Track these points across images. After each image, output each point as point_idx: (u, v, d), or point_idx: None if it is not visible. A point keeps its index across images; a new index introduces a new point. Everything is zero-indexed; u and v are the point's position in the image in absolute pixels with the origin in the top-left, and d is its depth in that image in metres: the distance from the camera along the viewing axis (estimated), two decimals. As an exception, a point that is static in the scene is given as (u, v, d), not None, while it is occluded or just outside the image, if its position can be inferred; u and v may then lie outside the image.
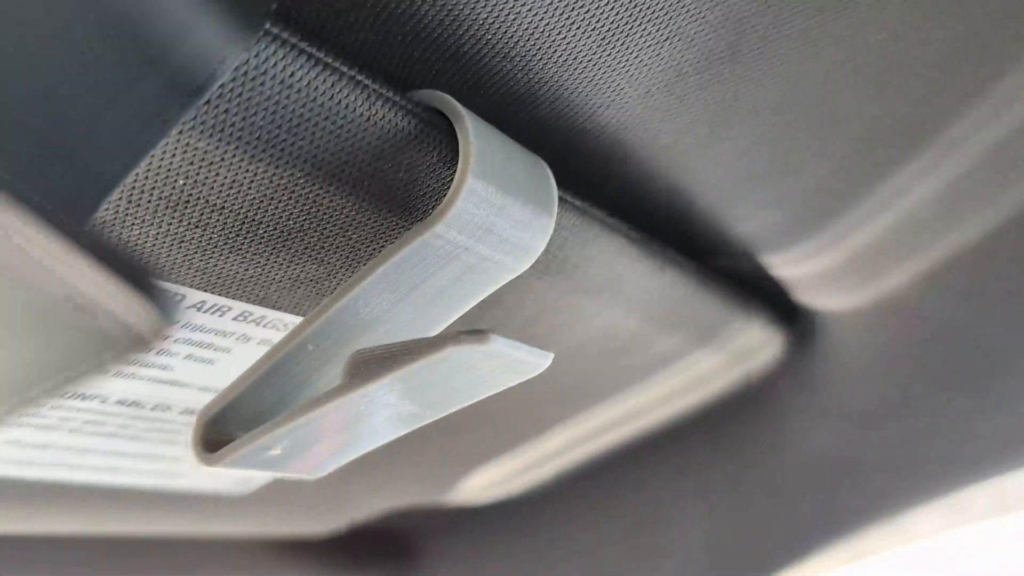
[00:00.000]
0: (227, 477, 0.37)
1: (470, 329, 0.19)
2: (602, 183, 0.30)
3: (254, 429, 0.22)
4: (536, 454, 0.46)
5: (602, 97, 0.25)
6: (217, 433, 0.23)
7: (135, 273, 0.12)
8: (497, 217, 0.21)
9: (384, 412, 0.22)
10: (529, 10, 0.21)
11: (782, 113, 0.30)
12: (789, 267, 0.39)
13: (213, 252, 0.21)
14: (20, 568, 0.40)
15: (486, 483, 0.48)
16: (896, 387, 0.46)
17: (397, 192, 0.21)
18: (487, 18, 0.21)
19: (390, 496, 0.48)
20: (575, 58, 0.23)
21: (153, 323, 0.13)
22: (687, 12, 0.23)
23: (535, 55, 0.23)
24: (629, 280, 0.31)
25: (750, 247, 0.37)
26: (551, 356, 0.21)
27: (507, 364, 0.21)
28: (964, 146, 0.36)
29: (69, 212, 0.15)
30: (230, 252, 0.21)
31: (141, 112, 0.15)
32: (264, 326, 0.25)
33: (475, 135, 0.20)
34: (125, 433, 0.30)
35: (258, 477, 0.37)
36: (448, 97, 0.21)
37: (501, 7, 0.21)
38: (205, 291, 0.23)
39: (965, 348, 0.44)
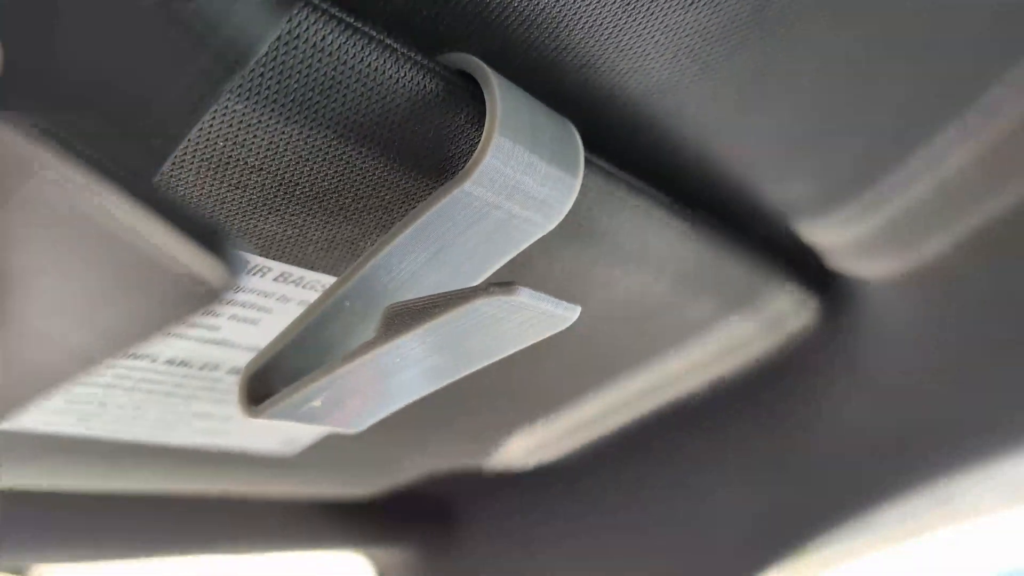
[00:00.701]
0: (274, 437, 0.38)
1: (499, 282, 0.20)
2: (631, 150, 0.30)
3: (295, 383, 0.23)
4: (573, 420, 0.47)
5: (628, 63, 0.26)
6: (261, 387, 0.25)
7: (203, 230, 0.13)
8: (524, 174, 0.22)
9: (418, 365, 0.23)
10: None
11: (818, 80, 0.30)
12: (824, 234, 0.39)
13: (253, 213, 0.22)
14: (75, 525, 0.43)
15: (525, 449, 0.49)
16: (936, 358, 0.46)
17: (427, 153, 0.22)
18: None
19: (431, 459, 0.49)
20: (601, 24, 0.24)
21: (223, 277, 0.14)
22: None
23: (561, 21, 0.23)
24: (657, 244, 0.31)
25: (784, 214, 0.37)
26: (578, 309, 0.22)
27: (535, 317, 0.22)
28: (1006, 109, 0.35)
29: (139, 173, 0.16)
30: (269, 213, 0.22)
31: (194, 83, 0.17)
32: (303, 287, 0.27)
33: (501, 94, 0.21)
34: (180, 392, 0.31)
35: (304, 438, 0.39)
36: (475, 59, 0.22)
37: None
38: (246, 252, 0.24)
39: (1007, 318, 0.44)
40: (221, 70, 0.17)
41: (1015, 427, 0.46)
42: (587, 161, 0.27)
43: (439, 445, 0.47)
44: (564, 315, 0.22)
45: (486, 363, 0.24)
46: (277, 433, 0.38)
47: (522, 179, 0.22)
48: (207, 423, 0.35)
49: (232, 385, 0.32)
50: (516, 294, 0.20)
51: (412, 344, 0.22)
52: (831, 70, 0.29)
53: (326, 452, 0.43)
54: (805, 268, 0.42)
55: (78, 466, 0.37)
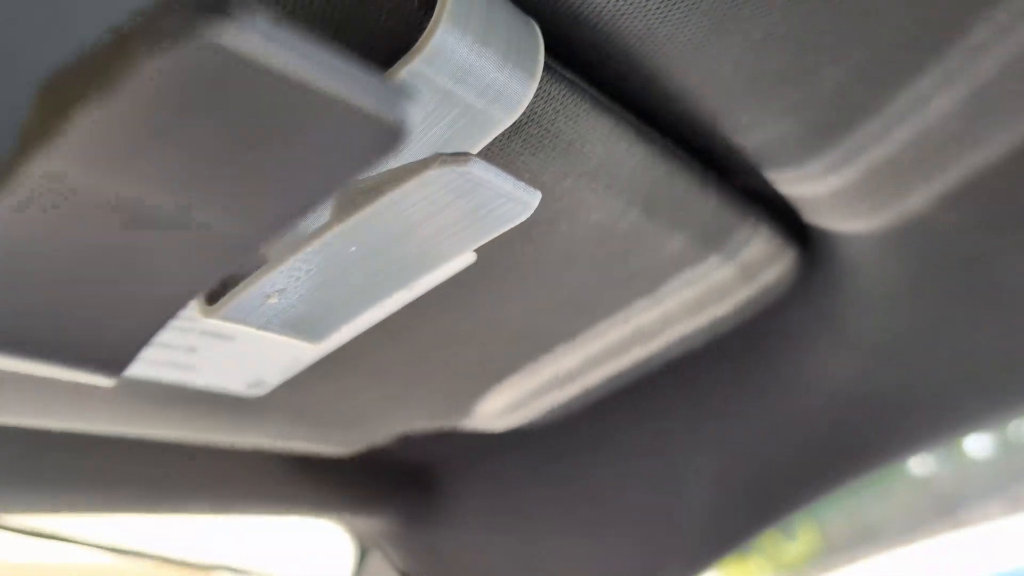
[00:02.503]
0: (240, 377, 0.38)
1: (454, 152, 0.20)
2: (601, 72, 0.30)
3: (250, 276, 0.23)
4: (549, 376, 0.47)
5: None
6: (218, 287, 0.24)
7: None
8: (477, 59, 0.21)
9: (375, 259, 0.23)
10: None
11: (793, 6, 0.30)
12: (801, 185, 0.38)
13: None
14: (34, 467, 0.42)
15: (501, 407, 0.49)
16: (914, 315, 0.45)
17: (382, 40, 0.22)
18: None
19: (406, 418, 0.49)
20: None
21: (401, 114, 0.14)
22: None
23: None
24: (626, 165, 0.31)
25: (759, 160, 0.36)
26: (539, 194, 0.22)
27: (492, 198, 0.21)
28: (988, 52, 0.35)
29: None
30: None
31: None
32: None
33: None
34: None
35: (271, 378, 0.38)
36: None
37: None
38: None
39: (988, 274, 0.43)
40: None
41: (996, 389, 0.45)
42: (552, 69, 0.27)
43: (413, 401, 0.46)
44: (523, 198, 0.22)
45: (446, 262, 0.24)
46: (243, 371, 0.37)
47: (475, 63, 0.21)
48: (169, 354, 0.34)
49: (195, 312, 0.32)
50: (469, 164, 0.19)
51: (366, 227, 0.21)
52: (803, 6, 0.29)
53: (296, 402, 0.43)
54: (781, 217, 0.41)
55: (23, 399, 0.36)
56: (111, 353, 0.18)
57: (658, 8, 0.27)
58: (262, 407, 0.41)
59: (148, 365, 0.34)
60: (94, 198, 0.14)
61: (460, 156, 0.20)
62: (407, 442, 0.53)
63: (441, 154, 0.20)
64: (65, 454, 0.42)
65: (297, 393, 0.41)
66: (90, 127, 0.12)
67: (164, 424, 0.42)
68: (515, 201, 0.22)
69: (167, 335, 0.33)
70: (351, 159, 0.14)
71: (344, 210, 0.21)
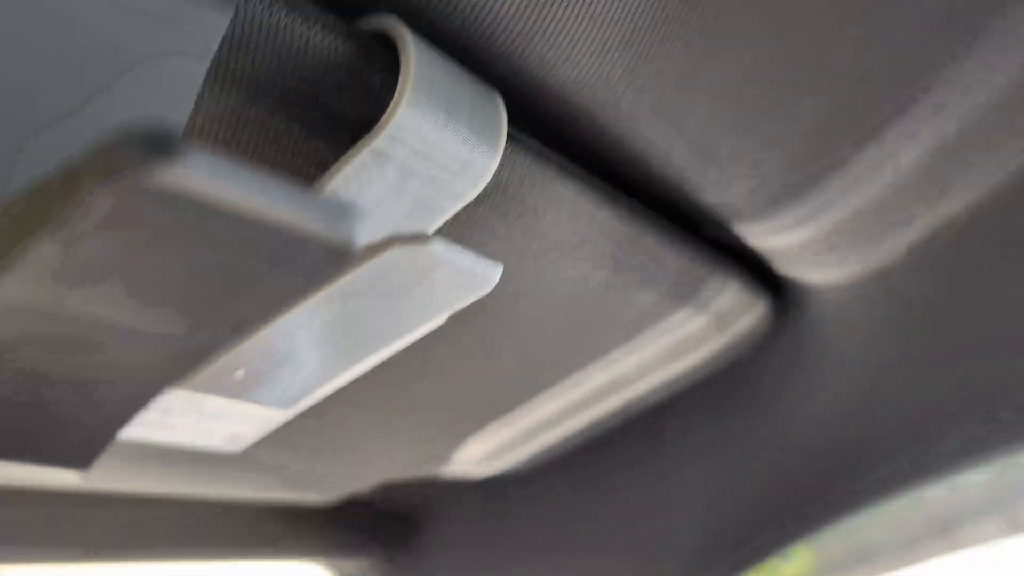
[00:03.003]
0: (217, 434, 0.38)
1: (414, 233, 0.20)
2: (565, 138, 0.30)
3: None
4: (528, 424, 0.47)
5: (557, 52, 0.26)
6: None
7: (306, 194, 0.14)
8: (439, 137, 0.22)
9: (343, 332, 0.23)
10: None
11: (755, 71, 0.30)
12: (770, 238, 0.39)
13: None
14: (14, 525, 0.42)
15: (481, 455, 0.49)
16: (888, 363, 0.46)
17: (344, 118, 0.22)
18: None
19: (386, 467, 0.49)
20: (525, 13, 0.24)
21: (346, 234, 0.14)
22: None
23: (485, 8, 0.24)
24: (593, 227, 0.31)
25: (727, 216, 0.37)
26: (500, 267, 0.22)
27: (454, 274, 0.21)
28: (951, 109, 0.36)
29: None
30: None
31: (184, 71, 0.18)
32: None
33: (417, 53, 0.21)
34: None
35: (248, 434, 0.39)
36: (393, 19, 0.22)
37: None
38: None
39: (958, 323, 0.44)
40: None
41: (968, 432, 0.46)
42: (516, 139, 0.27)
43: (392, 453, 0.47)
44: (484, 273, 0.22)
45: (412, 332, 0.24)
46: (220, 429, 0.37)
47: (437, 141, 0.22)
48: (144, 414, 0.34)
49: None
50: (429, 244, 0.20)
51: (330, 303, 0.21)
52: (766, 64, 0.30)
53: (278, 456, 0.43)
54: (752, 269, 0.42)
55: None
56: (78, 450, 0.19)
57: (621, 77, 0.28)
58: (241, 462, 0.42)
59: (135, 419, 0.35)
60: (54, 316, 0.14)
61: (419, 236, 0.21)
62: (389, 489, 0.53)
63: (400, 235, 0.21)
64: (45, 509, 0.43)
65: (275, 448, 0.41)
66: (44, 256, 0.13)
67: (142, 479, 0.42)
68: (477, 276, 0.23)
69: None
70: (301, 278, 0.15)
71: None
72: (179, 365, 0.17)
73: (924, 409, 0.47)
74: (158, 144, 0.12)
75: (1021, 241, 0.42)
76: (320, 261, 0.14)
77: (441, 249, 0.21)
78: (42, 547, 0.44)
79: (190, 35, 0.18)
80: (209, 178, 0.12)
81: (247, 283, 0.14)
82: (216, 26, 0.18)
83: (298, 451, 0.42)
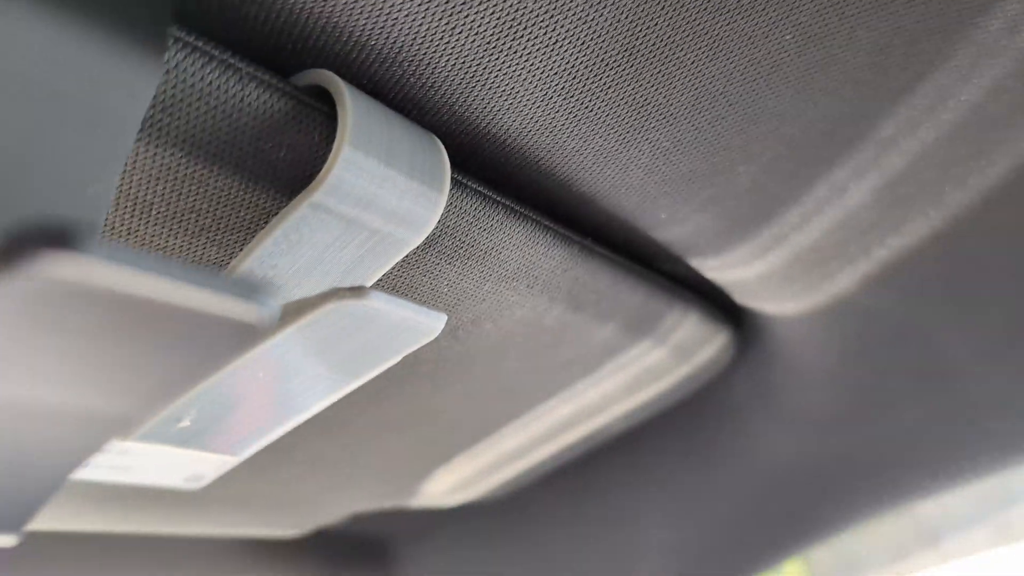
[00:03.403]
0: (177, 473, 0.38)
1: (352, 286, 0.20)
2: (512, 181, 0.31)
3: None
4: (496, 455, 0.47)
5: (499, 101, 0.26)
6: None
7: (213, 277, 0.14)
8: (378, 187, 0.22)
9: (288, 381, 0.23)
10: (407, 16, 0.22)
11: (698, 113, 0.31)
12: (727, 271, 0.39)
13: (109, 236, 0.23)
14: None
15: (448, 486, 0.49)
16: (850, 391, 0.46)
17: (282, 172, 0.23)
18: (366, 25, 0.22)
19: (353, 499, 0.49)
20: (463, 62, 0.24)
21: (253, 311, 0.14)
22: (574, 16, 0.24)
23: (423, 60, 0.24)
24: (545, 267, 0.32)
25: (682, 251, 0.38)
26: (444, 317, 0.22)
27: (397, 324, 0.22)
28: (899, 145, 0.36)
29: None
30: (127, 235, 0.23)
31: (101, 159, 0.18)
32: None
33: (353, 105, 0.22)
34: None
35: (207, 473, 0.39)
36: (327, 72, 0.22)
37: (379, 14, 0.22)
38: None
39: (915, 351, 0.45)
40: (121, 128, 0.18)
41: (927, 461, 0.46)
42: (461, 184, 0.28)
43: (360, 484, 0.47)
44: (428, 323, 0.22)
45: (359, 380, 0.24)
46: (178, 468, 0.37)
47: (377, 191, 0.22)
48: (103, 456, 0.34)
49: None
50: (367, 298, 0.20)
51: (270, 356, 0.22)
52: (707, 103, 0.30)
53: (241, 491, 0.43)
54: (710, 300, 0.42)
55: None
56: (8, 518, 0.19)
57: (564, 124, 0.28)
58: (204, 498, 0.42)
59: (82, 468, 0.35)
60: None
61: (358, 290, 0.21)
62: (358, 519, 0.53)
63: (339, 289, 0.21)
64: (7, 551, 0.42)
65: (238, 483, 0.41)
66: None
67: (103, 519, 0.42)
68: (420, 324, 0.23)
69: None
70: (214, 353, 0.15)
71: None
72: (105, 434, 0.17)
73: (884, 434, 0.47)
74: (55, 237, 0.12)
75: (972, 269, 0.42)
76: (232, 337, 0.14)
77: (381, 302, 0.21)
78: None
79: (117, 100, 0.18)
80: (107, 269, 0.12)
81: (159, 361, 0.15)
82: (145, 90, 0.18)
83: (263, 483, 0.42)
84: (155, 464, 0.37)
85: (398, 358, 0.24)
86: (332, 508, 0.49)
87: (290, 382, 0.24)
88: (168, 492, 0.40)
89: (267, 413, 0.26)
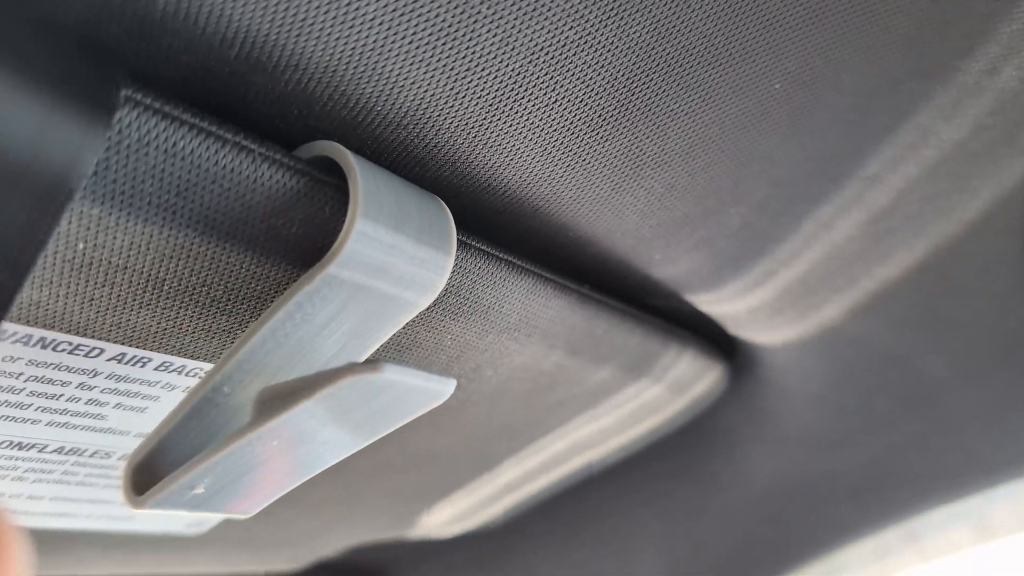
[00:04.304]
0: (180, 520, 0.38)
1: (367, 360, 0.21)
2: (511, 233, 0.31)
3: (174, 471, 0.24)
4: (494, 488, 0.47)
5: (500, 158, 0.27)
6: (146, 477, 0.25)
7: None
8: (389, 256, 0.22)
9: (300, 447, 0.24)
10: (413, 84, 0.23)
11: (691, 160, 0.32)
12: (720, 305, 0.40)
13: (123, 309, 0.23)
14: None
15: (448, 518, 0.50)
16: (842, 417, 0.47)
17: (295, 245, 0.23)
18: (372, 92, 0.23)
19: (352, 533, 0.49)
20: (467, 124, 0.25)
21: None
22: (572, 76, 0.25)
23: (427, 123, 0.25)
24: (545, 316, 0.32)
25: (676, 288, 0.38)
26: (453, 382, 0.23)
27: (408, 392, 0.22)
28: (884, 181, 0.37)
29: None
30: (140, 307, 0.23)
31: (21, 225, 0.17)
32: (186, 375, 0.27)
33: (363, 176, 0.22)
34: (71, 480, 0.31)
35: (210, 519, 0.39)
36: (337, 145, 0.23)
37: (386, 82, 0.23)
38: (123, 344, 0.24)
39: (901, 375, 0.46)
40: (45, 208, 0.17)
41: (913, 480, 0.47)
42: (464, 243, 0.28)
43: (359, 519, 0.47)
44: (438, 388, 0.22)
45: (369, 441, 0.25)
46: (181, 516, 0.37)
47: (388, 259, 0.23)
48: (106, 509, 0.34)
49: (122, 499, 0.33)
50: (381, 371, 0.20)
51: (286, 427, 0.22)
52: (700, 150, 0.31)
53: (240, 531, 0.43)
54: (705, 335, 0.43)
55: None
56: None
57: (563, 175, 0.29)
58: (204, 540, 0.42)
59: (85, 520, 0.35)
60: None
61: (372, 364, 0.21)
62: (357, 551, 0.53)
63: (355, 364, 0.21)
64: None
65: (238, 526, 0.41)
66: None
67: (103, 564, 0.42)
68: (430, 391, 0.23)
69: (103, 494, 0.33)
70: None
71: (262, 414, 0.22)
72: None
73: (872, 455, 0.48)
74: None
75: (956, 297, 0.43)
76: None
77: (395, 374, 0.21)
78: None
79: (43, 175, 0.17)
80: None
81: None
82: (79, 165, 0.17)
83: (263, 525, 0.42)
84: (158, 514, 0.37)
85: (409, 419, 0.25)
86: (331, 543, 0.50)
87: (304, 447, 0.24)
88: (165, 537, 0.40)
89: (279, 476, 0.26)
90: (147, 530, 0.38)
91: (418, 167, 0.26)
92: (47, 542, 0.36)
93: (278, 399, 0.22)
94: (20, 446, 0.28)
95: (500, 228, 0.31)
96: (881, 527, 0.50)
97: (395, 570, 0.59)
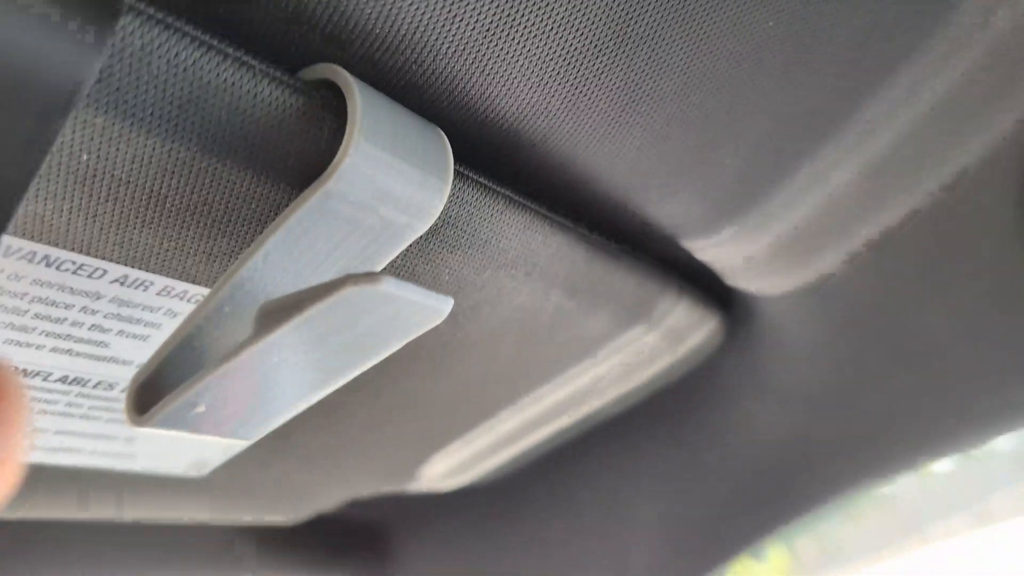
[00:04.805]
0: (182, 459, 0.39)
1: (366, 272, 0.21)
2: (509, 168, 0.31)
3: (176, 388, 0.24)
4: (492, 438, 0.48)
5: (497, 87, 0.27)
6: (147, 397, 0.25)
7: None
8: (387, 177, 0.23)
9: (299, 365, 0.24)
10: (411, 4, 0.23)
11: (688, 97, 0.32)
12: (716, 252, 0.40)
13: (126, 226, 0.23)
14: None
15: (445, 470, 0.50)
16: (837, 369, 0.48)
17: (294, 165, 0.23)
18: (372, 14, 0.23)
19: (352, 485, 0.50)
20: (464, 49, 0.25)
21: None
22: (569, 3, 0.25)
23: (425, 48, 0.25)
24: (544, 254, 0.33)
25: (674, 233, 0.39)
26: (451, 300, 0.23)
27: (406, 308, 0.22)
28: (880, 128, 0.37)
29: None
30: (142, 226, 0.23)
31: (25, 131, 0.17)
32: (188, 300, 0.27)
33: (362, 99, 0.22)
34: (75, 412, 0.32)
35: (212, 459, 0.39)
36: (337, 67, 0.23)
37: (386, 3, 0.23)
38: (126, 265, 0.25)
39: (897, 328, 0.46)
40: (48, 115, 0.17)
41: (909, 435, 0.48)
42: (462, 175, 0.29)
43: (358, 469, 0.47)
44: (436, 306, 0.23)
45: (369, 362, 0.25)
46: (184, 455, 0.38)
47: (386, 180, 0.23)
48: (109, 445, 0.35)
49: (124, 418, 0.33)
50: (381, 283, 0.20)
51: (286, 341, 0.22)
52: (697, 86, 0.31)
53: (242, 477, 0.44)
54: (702, 284, 0.43)
55: None
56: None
57: (560, 108, 0.29)
58: (204, 485, 0.42)
59: (89, 456, 0.35)
60: None
61: (371, 276, 0.22)
62: (355, 506, 0.54)
63: (353, 275, 0.22)
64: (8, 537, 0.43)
65: (239, 470, 0.41)
66: None
67: (104, 506, 0.42)
68: (428, 308, 0.24)
69: (106, 428, 0.34)
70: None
71: (263, 327, 0.22)
72: None
73: (868, 409, 0.49)
74: None
75: (951, 247, 0.44)
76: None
77: (393, 287, 0.22)
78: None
79: (48, 78, 0.17)
80: None
81: None
82: (82, 70, 0.18)
83: (263, 472, 0.43)
84: (160, 451, 0.38)
85: (407, 340, 0.25)
86: (330, 495, 0.50)
87: (304, 366, 0.25)
88: (168, 480, 0.41)
89: (279, 397, 0.27)
90: (149, 469, 0.38)
91: (417, 97, 0.27)
92: (50, 479, 0.37)
93: (279, 312, 0.22)
94: (25, 373, 0.28)
95: (498, 164, 0.31)
96: (876, 481, 0.51)
97: (392, 527, 0.60)
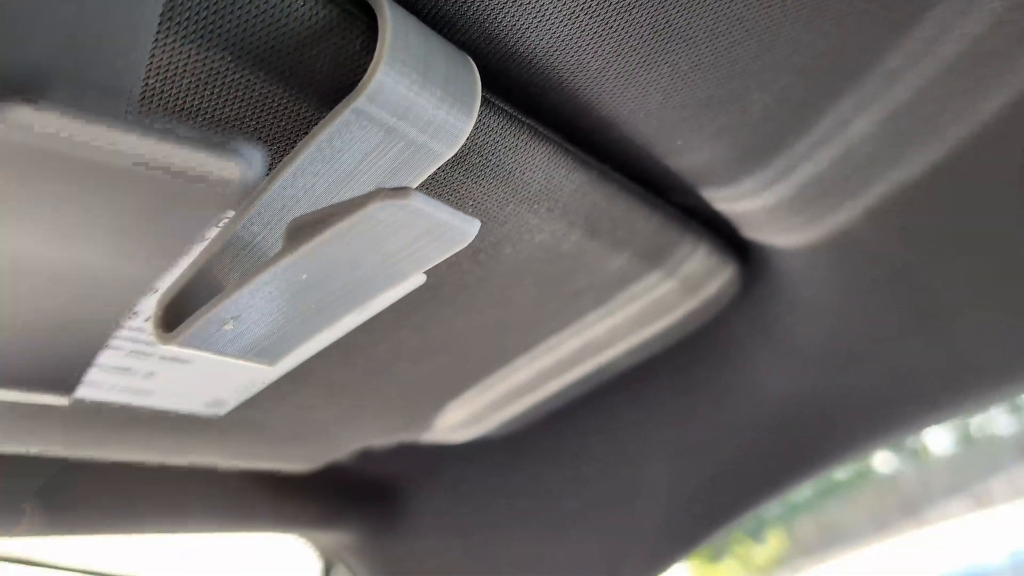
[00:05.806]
0: (199, 398, 0.39)
1: (394, 188, 0.21)
2: (538, 103, 0.31)
3: (205, 304, 0.24)
4: (505, 388, 0.48)
5: (528, 19, 0.27)
6: (175, 316, 0.25)
7: (204, 137, 0.14)
8: (417, 96, 0.23)
9: (325, 284, 0.24)
10: None
11: (716, 38, 0.32)
12: (736, 202, 0.40)
13: None
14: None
15: (459, 420, 0.50)
16: (849, 326, 0.48)
17: (324, 81, 0.23)
18: None
19: (365, 432, 0.50)
20: None
21: (239, 171, 0.15)
22: None
23: None
24: (566, 189, 0.33)
25: (695, 182, 0.39)
26: (477, 223, 0.23)
27: (433, 227, 0.22)
28: (902, 78, 0.37)
29: (115, 102, 0.17)
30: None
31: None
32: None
33: (393, 18, 0.22)
34: (98, 341, 0.32)
35: (230, 398, 0.39)
36: None
37: None
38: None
39: (912, 287, 0.46)
40: None
41: (920, 395, 0.48)
42: (490, 103, 0.28)
43: (371, 417, 0.48)
44: (463, 226, 0.23)
45: (395, 284, 0.25)
46: (201, 393, 0.38)
47: (415, 100, 0.23)
48: (128, 379, 0.35)
49: (153, 339, 0.33)
50: (410, 198, 0.20)
51: (316, 256, 0.22)
52: (726, 30, 0.31)
53: (257, 421, 0.44)
54: (720, 234, 0.43)
55: None
56: (60, 380, 0.19)
57: (589, 44, 0.29)
58: (222, 426, 0.42)
59: (108, 391, 0.35)
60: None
61: (401, 191, 0.22)
62: (368, 456, 0.54)
63: (383, 189, 0.22)
64: (21, 478, 0.43)
65: (256, 412, 0.42)
66: None
67: (122, 447, 0.43)
68: (455, 229, 0.24)
69: (126, 361, 0.34)
70: (201, 212, 0.16)
71: (293, 241, 0.22)
72: (129, 293, 0.18)
73: (880, 367, 0.49)
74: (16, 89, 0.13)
75: (968, 204, 0.44)
76: (215, 194, 0.15)
77: (422, 203, 0.22)
78: (9, 517, 0.44)
79: None
80: (68, 120, 0.13)
81: (152, 220, 0.15)
82: None
83: (279, 410, 0.43)
84: (178, 389, 0.38)
85: (434, 262, 0.25)
86: (344, 440, 0.50)
87: (331, 284, 0.25)
88: (184, 420, 0.41)
89: (306, 319, 0.27)
90: (166, 407, 0.39)
91: (448, 26, 0.27)
92: (68, 414, 0.37)
93: (309, 226, 0.22)
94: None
95: (526, 100, 0.31)
96: (886, 440, 0.51)
97: (404, 479, 0.60)
